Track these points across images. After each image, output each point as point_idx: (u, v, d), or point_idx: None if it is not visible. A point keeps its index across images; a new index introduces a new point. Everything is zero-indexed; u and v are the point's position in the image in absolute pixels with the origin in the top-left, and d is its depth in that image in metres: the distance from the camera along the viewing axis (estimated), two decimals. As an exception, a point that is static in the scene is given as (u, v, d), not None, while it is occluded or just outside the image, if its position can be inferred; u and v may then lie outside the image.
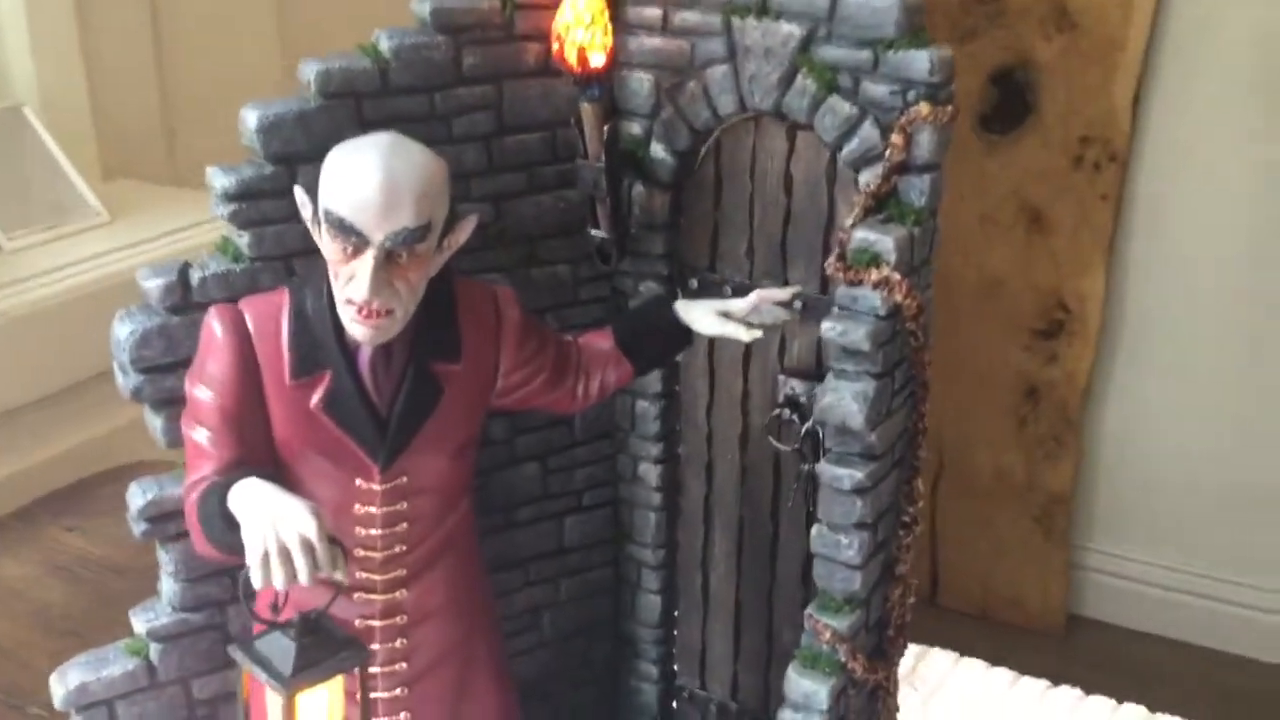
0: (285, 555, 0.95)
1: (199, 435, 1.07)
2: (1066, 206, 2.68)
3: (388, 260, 1.02)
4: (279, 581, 0.95)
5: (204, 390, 1.07)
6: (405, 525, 1.13)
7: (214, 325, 1.07)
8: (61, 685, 1.25)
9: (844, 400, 1.15)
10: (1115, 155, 2.62)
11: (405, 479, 1.11)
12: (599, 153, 1.26)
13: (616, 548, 1.50)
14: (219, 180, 1.18)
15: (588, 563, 1.49)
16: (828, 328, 1.14)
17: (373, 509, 1.11)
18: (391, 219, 1.00)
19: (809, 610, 1.23)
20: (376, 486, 1.10)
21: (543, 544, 1.46)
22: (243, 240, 1.20)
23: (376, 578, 1.13)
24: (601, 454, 1.46)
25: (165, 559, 1.25)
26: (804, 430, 1.31)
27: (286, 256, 1.22)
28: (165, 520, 1.23)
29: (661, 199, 1.33)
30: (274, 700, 0.97)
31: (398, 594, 1.15)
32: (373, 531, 1.12)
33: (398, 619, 1.15)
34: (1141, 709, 2.11)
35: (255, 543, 0.95)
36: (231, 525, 0.99)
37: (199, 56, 3.17)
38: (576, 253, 1.36)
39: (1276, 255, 2.69)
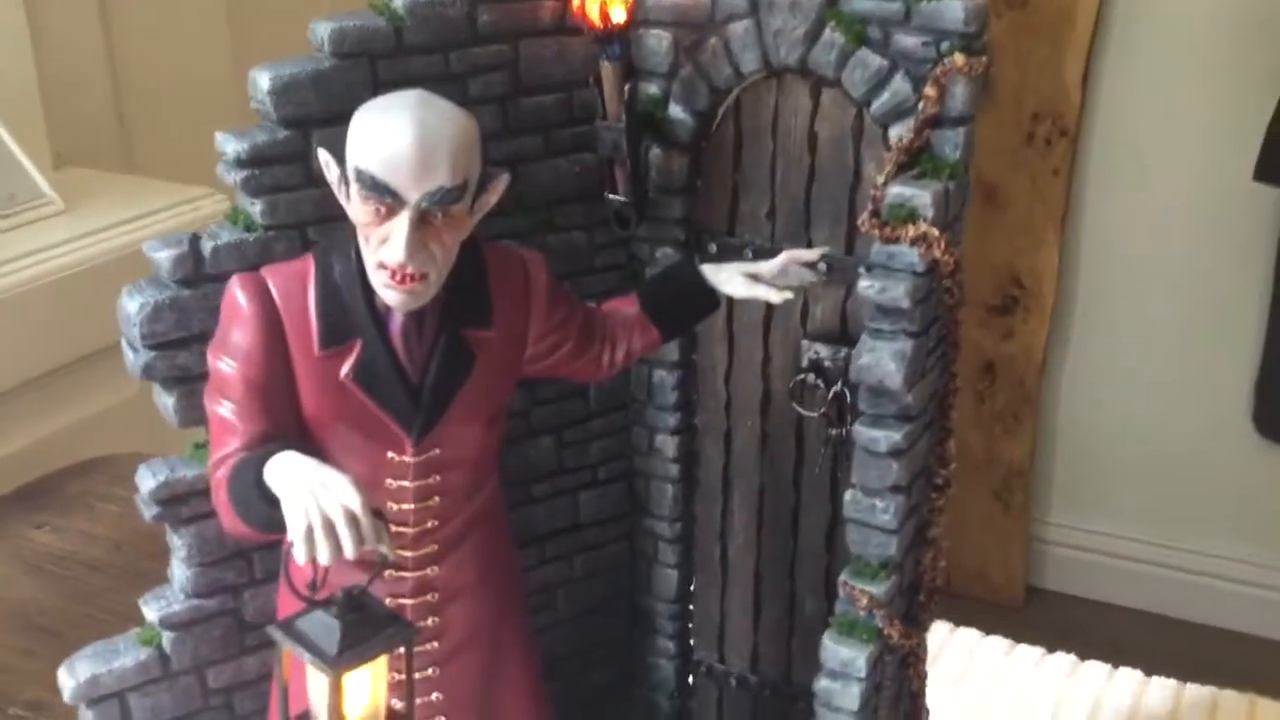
0: (329, 529, 0.91)
1: (224, 409, 1.02)
2: (1020, 183, 2.70)
3: (422, 222, 0.98)
4: (324, 556, 0.91)
5: (228, 362, 1.02)
6: (437, 499, 1.09)
7: (237, 294, 1.02)
8: (71, 678, 1.19)
9: (882, 360, 1.12)
10: (1066, 131, 2.64)
11: (438, 451, 1.07)
12: (619, 113, 1.23)
13: (632, 522, 1.47)
14: (230, 145, 1.13)
15: (603, 538, 1.46)
16: (865, 285, 1.11)
17: (405, 483, 1.07)
18: (428, 178, 0.96)
19: (843, 577, 1.21)
20: (409, 459, 1.06)
21: (558, 520, 1.42)
22: (255, 208, 1.15)
23: (408, 554, 1.09)
24: (617, 426, 1.42)
25: (178, 543, 1.20)
26: (831, 394, 1.29)
27: (300, 225, 1.17)
28: (177, 503, 1.19)
29: (680, 161, 1.30)
30: (318, 680, 0.93)
31: (429, 571, 1.11)
32: (405, 506, 1.08)
33: (429, 596, 1.12)
34: (1138, 673, 2.11)
35: (298, 516, 0.91)
36: (268, 500, 0.95)
37: (149, 43, 3.10)
38: (593, 218, 1.33)
39: (1223, 223, 2.73)
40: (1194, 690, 2.08)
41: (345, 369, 1.03)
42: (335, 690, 0.91)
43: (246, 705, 1.28)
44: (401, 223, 0.97)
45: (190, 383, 1.16)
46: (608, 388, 1.40)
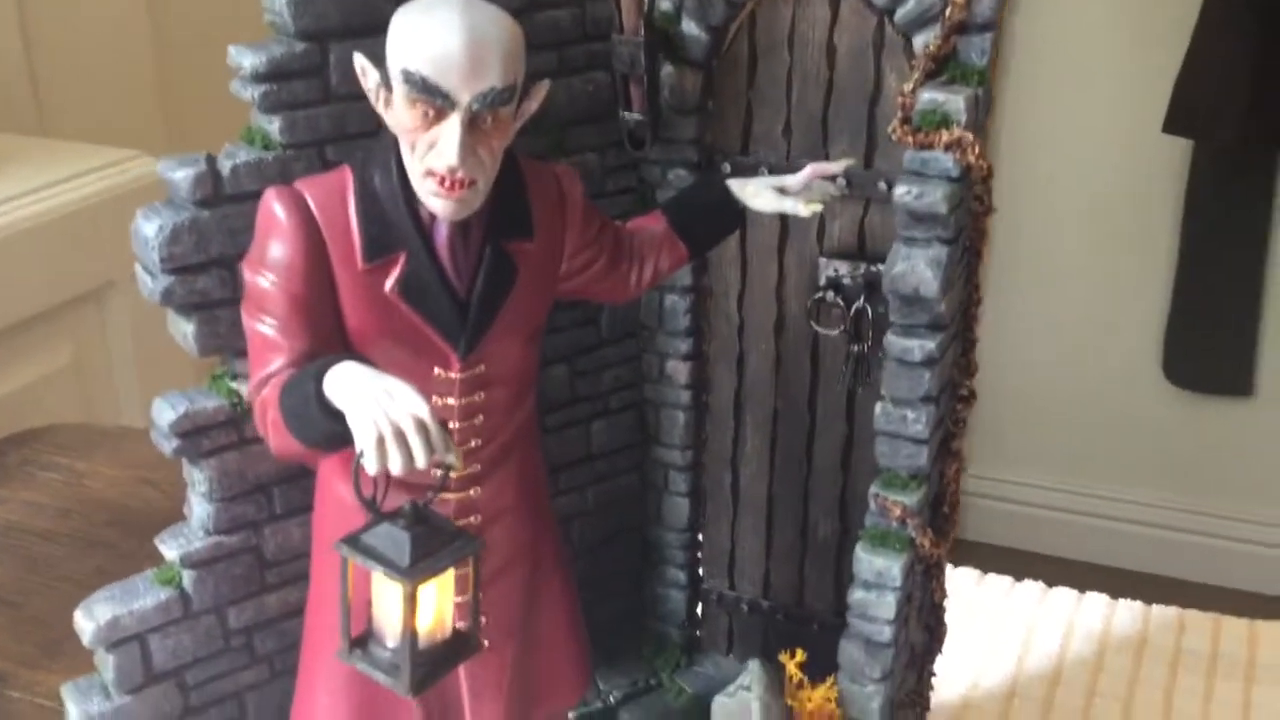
0: (400, 438, 0.88)
1: (265, 326, 0.99)
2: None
3: (472, 125, 0.95)
4: (396, 465, 0.88)
5: (268, 277, 0.98)
6: (481, 418, 1.07)
7: (274, 207, 0.98)
8: (89, 620, 1.15)
9: (917, 267, 1.13)
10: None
11: (483, 367, 1.05)
12: (637, 26, 1.21)
13: (642, 452, 1.46)
14: (246, 59, 1.09)
15: (614, 469, 1.45)
16: (902, 191, 1.11)
17: (451, 400, 1.04)
18: (479, 78, 0.94)
19: (874, 489, 1.22)
20: (455, 375, 1.04)
21: (572, 451, 1.40)
22: (273, 126, 1.11)
23: (451, 474, 1.06)
24: (628, 354, 1.41)
25: (198, 478, 1.16)
26: (853, 310, 1.29)
27: (319, 143, 1.13)
28: (198, 435, 1.14)
29: (693, 79, 1.28)
30: (389, 593, 0.91)
31: (472, 492, 1.09)
32: (450, 425, 1.05)
33: (472, 518, 1.09)
34: (1104, 597, 2.17)
35: (367, 426, 0.88)
36: (330, 413, 0.91)
37: (62, 5, 2.99)
38: (604, 139, 1.31)
39: (1133, 175, 2.80)
40: (1160, 610, 2.14)
41: (390, 283, 1.00)
42: (410, 602, 0.89)
43: (268, 645, 1.24)
44: (452, 125, 0.94)
45: (209, 309, 1.12)
46: (619, 315, 1.38)
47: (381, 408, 0.88)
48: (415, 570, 0.89)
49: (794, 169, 1.23)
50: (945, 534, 1.30)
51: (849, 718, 1.22)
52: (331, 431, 0.92)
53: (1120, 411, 3.02)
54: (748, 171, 1.30)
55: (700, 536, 1.50)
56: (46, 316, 2.75)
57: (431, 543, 0.91)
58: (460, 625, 0.97)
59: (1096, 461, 3.07)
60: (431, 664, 0.93)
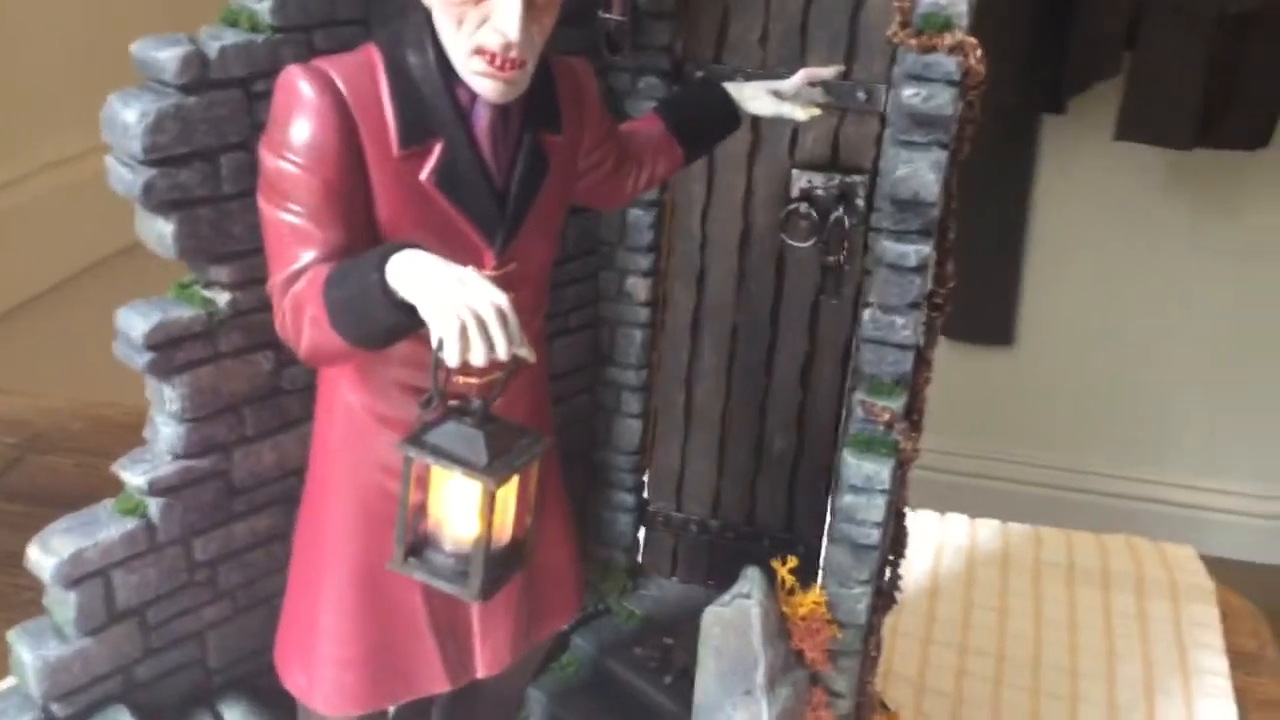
0: (482, 327, 0.82)
1: (292, 216, 0.90)
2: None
3: (526, 1, 0.89)
4: (478, 355, 0.82)
5: (295, 162, 0.90)
6: (508, 320, 1.01)
7: (300, 85, 0.90)
8: (49, 555, 1.03)
9: (920, 170, 1.13)
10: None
11: (514, 265, 0.99)
12: (627, -77, 1.17)
13: (594, 373, 1.42)
14: (236, -69, 0.99)
15: (569, 389, 1.41)
16: (909, 94, 1.11)
17: (481, 299, 0.98)
18: (537, -50, 0.88)
19: (860, 396, 1.22)
20: (489, 272, 0.98)
21: (531, 370, 1.35)
22: (262, 6, 1.01)
23: (474, 381, 1.00)
24: (589, 270, 1.37)
25: (169, 395, 1.06)
26: (830, 221, 1.29)
27: (308, 28, 1.04)
28: (172, 348, 1.04)
29: (671, -18, 1.25)
30: (463, 494, 0.85)
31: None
32: (479, 326, 0.99)
33: (489, 428, 1.04)
34: (964, 516, 2.27)
35: (447, 316, 0.82)
36: (395, 305, 0.84)
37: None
38: (582, 44, 1.26)
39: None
40: (1017, 527, 2.27)
41: (426, 171, 0.93)
42: (490, 501, 0.84)
43: (231, 579, 1.15)
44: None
45: (190, 207, 1.02)
46: (582, 230, 1.34)
47: (460, 297, 0.82)
48: (495, 468, 0.84)
49: (770, 78, 1.22)
50: (916, 440, 1.32)
51: (836, 620, 1.23)
52: (396, 324, 0.85)
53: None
54: (721, 79, 1.28)
55: (649, 458, 1.48)
56: None
57: (504, 440, 0.86)
58: (516, 534, 0.93)
59: (1004, 425, 3.22)
60: (497, 570, 0.88)
